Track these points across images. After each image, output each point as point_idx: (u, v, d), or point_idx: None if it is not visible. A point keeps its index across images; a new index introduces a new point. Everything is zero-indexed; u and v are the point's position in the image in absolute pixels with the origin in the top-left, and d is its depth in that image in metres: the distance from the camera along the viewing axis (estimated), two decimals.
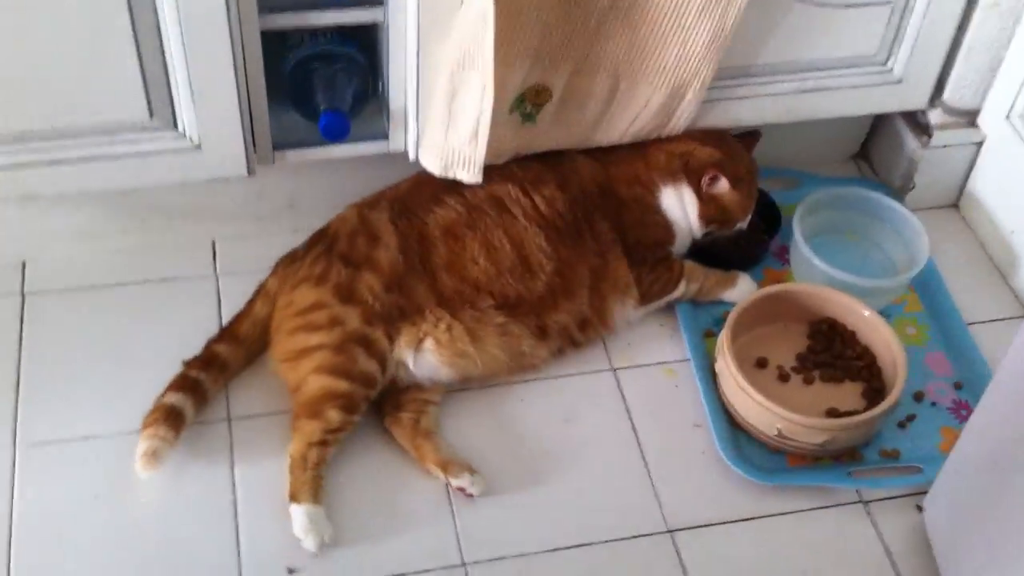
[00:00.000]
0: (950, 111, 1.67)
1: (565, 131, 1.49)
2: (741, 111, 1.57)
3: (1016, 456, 1.11)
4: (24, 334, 1.50)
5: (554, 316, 1.46)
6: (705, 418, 1.44)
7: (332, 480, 1.36)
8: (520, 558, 1.32)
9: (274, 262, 1.48)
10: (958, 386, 1.51)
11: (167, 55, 1.33)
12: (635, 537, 1.35)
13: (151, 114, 1.38)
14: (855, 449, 1.43)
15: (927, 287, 1.61)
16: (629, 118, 1.50)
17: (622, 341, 1.55)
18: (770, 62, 1.54)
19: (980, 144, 1.69)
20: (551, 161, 1.50)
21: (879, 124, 1.79)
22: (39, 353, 1.48)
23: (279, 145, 1.47)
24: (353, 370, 1.36)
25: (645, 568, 1.33)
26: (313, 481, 1.33)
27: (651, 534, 1.35)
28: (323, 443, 1.35)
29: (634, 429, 1.46)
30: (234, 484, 1.36)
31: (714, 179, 1.49)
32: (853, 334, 1.50)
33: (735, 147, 1.55)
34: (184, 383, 1.39)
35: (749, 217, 1.56)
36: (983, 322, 1.59)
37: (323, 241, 1.46)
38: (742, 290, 1.57)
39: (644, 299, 1.53)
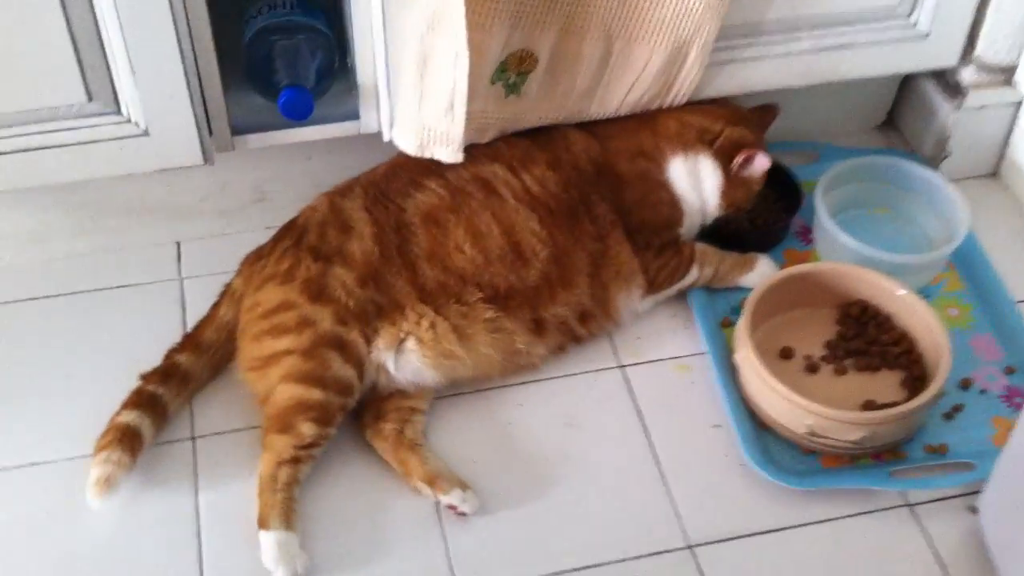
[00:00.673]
0: (984, 68, 1.63)
1: (555, 103, 1.46)
2: (751, 74, 1.54)
3: None
4: None
5: (551, 308, 1.43)
6: (725, 418, 1.42)
7: (307, 502, 1.33)
8: None
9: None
10: (1010, 371, 1.48)
11: (100, 25, 1.29)
12: (651, 555, 1.32)
13: (89, 97, 1.35)
14: (897, 446, 1.40)
15: (968, 263, 1.59)
16: (626, 85, 1.47)
17: (630, 335, 1.52)
18: (782, 17, 1.51)
19: (1019, 104, 1.65)
20: (541, 137, 1.48)
21: (906, 88, 1.77)
22: None
23: (239, 129, 1.44)
24: (326, 377, 1.33)
25: None
26: (284, 504, 1.29)
27: (669, 551, 1.33)
28: (295, 460, 1.31)
29: (646, 433, 1.43)
30: (198, 510, 1.34)
31: (748, 160, 1.47)
32: (888, 317, 1.48)
33: (752, 120, 1.54)
34: (140, 399, 1.36)
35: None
36: None
37: (291, 234, 1.43)
38: (762, 273, 1.53)
39: (652, 287, 1.50)
